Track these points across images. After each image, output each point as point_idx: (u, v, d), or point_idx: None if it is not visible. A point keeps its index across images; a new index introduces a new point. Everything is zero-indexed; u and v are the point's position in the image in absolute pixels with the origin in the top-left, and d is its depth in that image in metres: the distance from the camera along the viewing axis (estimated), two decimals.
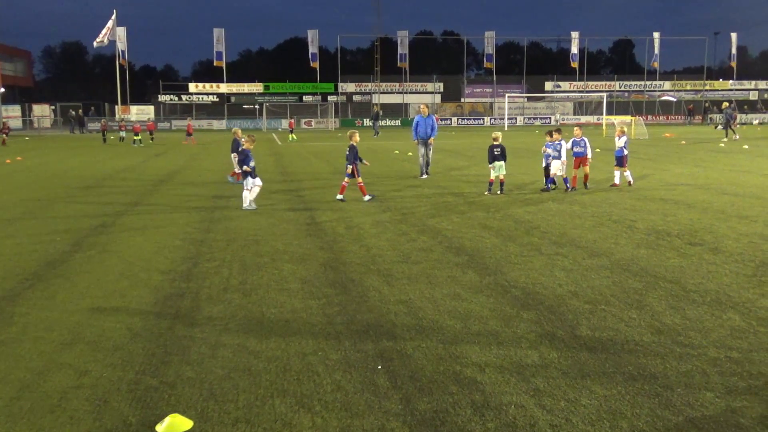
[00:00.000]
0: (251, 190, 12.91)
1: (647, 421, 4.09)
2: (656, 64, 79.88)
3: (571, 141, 15.44)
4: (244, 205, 12.83)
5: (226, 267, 8.16)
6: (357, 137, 14.17)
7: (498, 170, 14.80)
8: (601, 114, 58.19)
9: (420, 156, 18.68)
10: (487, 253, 8.73)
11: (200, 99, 73.57)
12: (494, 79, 77.96)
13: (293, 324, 5.98)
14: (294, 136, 44.72)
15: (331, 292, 7.00)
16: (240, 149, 13.00)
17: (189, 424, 4.09)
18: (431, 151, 18.85)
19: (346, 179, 13.92)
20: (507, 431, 4.00)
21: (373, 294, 6.88)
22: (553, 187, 15.26)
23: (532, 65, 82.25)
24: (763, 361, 5.00)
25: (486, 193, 14.78)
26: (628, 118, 46.87)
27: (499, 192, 14.72)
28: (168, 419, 4.09)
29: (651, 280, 7.30)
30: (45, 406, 4.39)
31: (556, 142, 15.19)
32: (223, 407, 4.35)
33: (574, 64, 78.62)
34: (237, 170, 17.09)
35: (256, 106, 71.70)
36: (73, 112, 61.86)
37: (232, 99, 74.29)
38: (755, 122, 64.32)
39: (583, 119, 72.16)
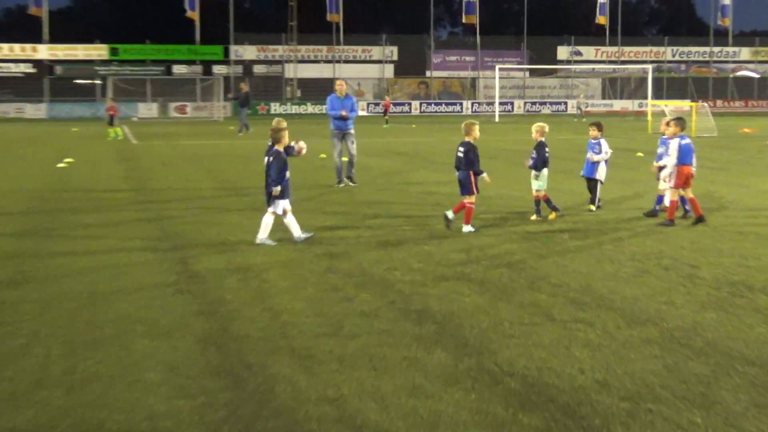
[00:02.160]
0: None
1: None
2: (727, 21, 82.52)
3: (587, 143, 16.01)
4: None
5: (40, 345, 7.99)
6: (477, 131, 14.46)
7: (538, 182, 15.23)
8: (645, 98, 59.45)
9: (335, 155, 19.91)
10: (465, 320, 8.75)
11: (7, 70, 72.73)
12: (478, 41, 79.39)
13: None
14: (118, 130, 42.39)
15: (213, 385, 6.91)
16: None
17: None
18: (354, 146, 20.06)
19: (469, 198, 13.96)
20: None
21: (282, 388, 6.82)
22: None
23: (535, 21, 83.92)
24: None
25: (533, 217, 15.11)
26: (685, 104, 47.84)
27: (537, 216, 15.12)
28: None
29: (724, 362, 7.41)
30: None
31: (664, 137, 15.53)
32: None
33: (602, 20, 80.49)
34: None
35: (98, 81, 71.33)
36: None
37: (58, 69, 73.66)
38: None
39: (617, 105, 73.76)
